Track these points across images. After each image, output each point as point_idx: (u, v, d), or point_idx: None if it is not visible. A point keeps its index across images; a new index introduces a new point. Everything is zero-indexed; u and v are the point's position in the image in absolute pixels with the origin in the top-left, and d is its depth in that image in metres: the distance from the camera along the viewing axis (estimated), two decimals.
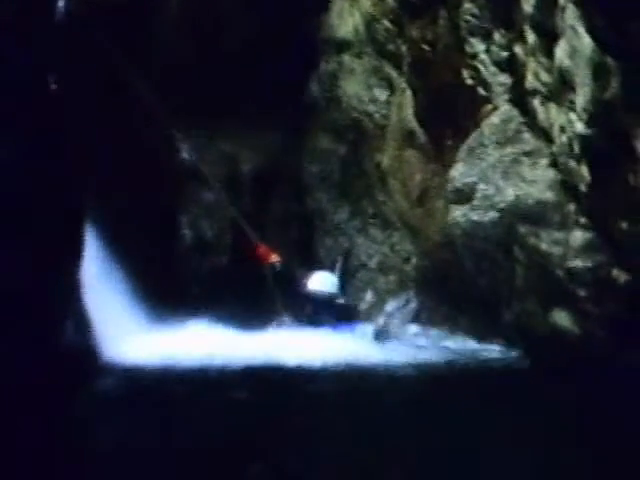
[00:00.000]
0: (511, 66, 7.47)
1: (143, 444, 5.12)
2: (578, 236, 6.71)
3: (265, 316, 9.03)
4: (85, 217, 6.98)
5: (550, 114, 6.91)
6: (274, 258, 9.26)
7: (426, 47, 8.42)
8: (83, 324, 7.03)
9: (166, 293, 8.70)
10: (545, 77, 6.91)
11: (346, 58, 9.66)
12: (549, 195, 6.92)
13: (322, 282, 9.18)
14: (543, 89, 6.95)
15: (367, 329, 8.69)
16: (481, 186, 7.40)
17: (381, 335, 8.43)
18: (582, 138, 6.43)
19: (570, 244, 6.71)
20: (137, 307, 8.38)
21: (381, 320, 8.79)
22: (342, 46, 9.71)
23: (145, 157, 9.60)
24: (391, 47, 9.06)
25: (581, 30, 6.23)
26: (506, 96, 7.52)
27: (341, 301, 9.27)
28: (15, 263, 5.90)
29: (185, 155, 9.99)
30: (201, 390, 6.44)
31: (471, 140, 7.66)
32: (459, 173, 7.62)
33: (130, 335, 7.79)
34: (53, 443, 5.06)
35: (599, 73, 6.14)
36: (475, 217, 7.36)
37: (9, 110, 5.93)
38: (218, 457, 4.99)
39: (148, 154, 9.67)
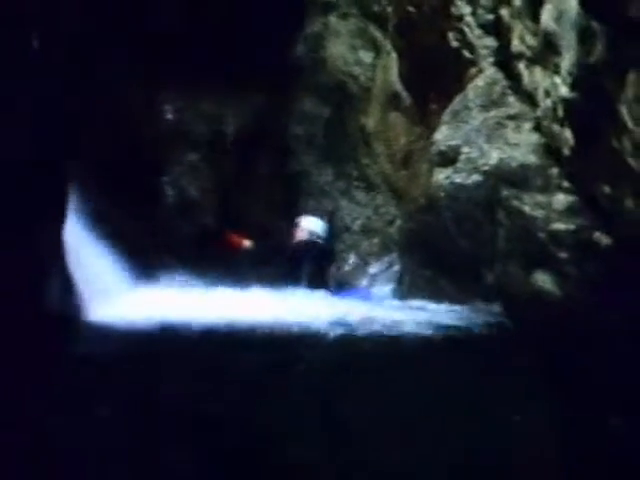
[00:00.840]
0: (497, 29, 7.46)
1: (131, 405, 5.12)
2: (561, 199, 6.72)
3: (250, 275, 9.07)
4: (68, 176, 6.94)
5: (535, 78, 6.90)
6: (246, 243, 9.47)
7: (412, 9, 8.39)
8: (67, 283, 7.02)
9: (150, 252, 8.71)
10: (530, 40, 6.89)
11: (332, 19, 9.63)
12: (532, 158, 6.92)
13: (313, 223, 9.33)
14: (528, 52, 6.94)
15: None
16: (465, 149, 7.40)
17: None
18: (566, 102, 6.42)
19: (553, 207, 6.73)
20: (120, 266, 8.39)
21: (365, 282, 8.84)
22: (328, 7, 9.67)
23: (129, 117, 9.57)
24: (376, 8, 9.04)
25: None
26: (491, 59, 7.51)
27: (320, 242, 9.40)
28: None
29: (169, 116, 9.96)
30: (187, 349, 6.44)
31: (456, 103, 7.65)
32: (443, 136, 7.62)
33: (114, 294, 7.79)
34: (38, 404, 5.06)
35: (584, 36, 6.11)
36: (458, 180, 7.37)
37: None
38: (208, 419, 4.98)
39: (132, 114, 9.62)
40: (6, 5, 6.11)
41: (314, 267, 9.29)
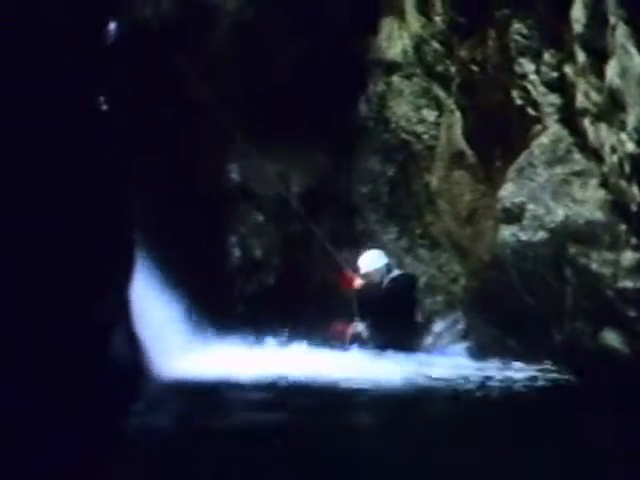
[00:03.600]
0: (561, 86, 7.45)
1: (197, 463, 5.11)
2: (629, 256, 6.64)
3: (314, 335, 9.03)
4: (135, 234, 7.04)
5: (600, 134, 6.87)
6: (358, 283, 9.21)
7: (475, 68, 8.43)
8: (133, 341, 7.08)
9: (215, 310, 8.76)
10: (595, 97, 6.87)
11: (395, 79, 9.71)
12: (599, 215, 6.87)
13: (372, 259, 9.08)
14: (593, 109, 6.92)
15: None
16: (531, 206, 7.37)
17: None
18: (633, 158, 6.38)
19: (621, 264, 6.65)
20: (187, 324, 8.44)
21: (429, 340, 8.76)
22: (391, 67, 9.76)
23: (196, 177, 9.70)
24: (440, 68, 9.09)
25: (632, 49, 6.20)
26: (556, 116, 7.49)
27: (397, 272, 9.08)
28: (65, 276, 5.95)
29: (235, 175, 10.08)
30: (248, 409, 6.41)
31: (521, 160, 7.64)
32: (508, 193, 7.60)
33: (177, 352, 7.83)
34: (99, 462, 5.07)
35: None
36: (525, 237, 7.34)
37: (66, 131, 6.00)
38: None
39: (199, 174, 9.76)
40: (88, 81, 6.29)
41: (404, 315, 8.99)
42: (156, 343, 7.40)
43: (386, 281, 8.88)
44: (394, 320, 8.73)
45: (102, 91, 6.74)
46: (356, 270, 9.18)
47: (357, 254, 9.30)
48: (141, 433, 5.65)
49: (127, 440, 5.52)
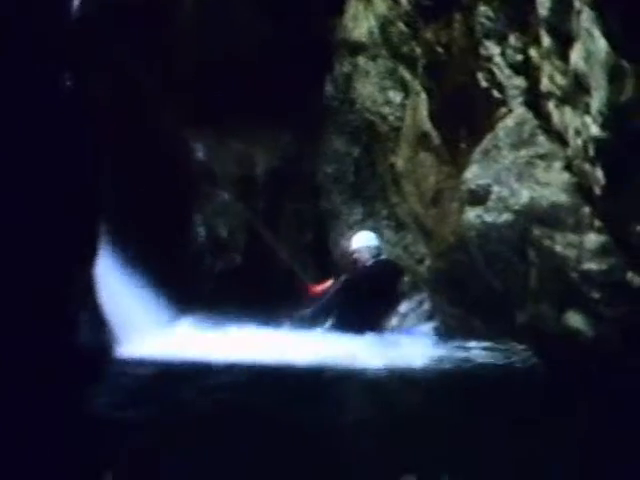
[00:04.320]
0: (526, 69, 7.48)
1: (157, 446, 5.12)
2: (592, 239, 6.70)
3: (279, 315, 9.05)
4: (101, 214, 7.01)
5: (565, 117, 6.91)
6: (326, 285, 9.17)
7: (441, 50, 8.45)
8: (97, 320, 7.07)
9: (181, 290, 8.76)
10: (560, 80, 6.91)
11: (361, 60, 9.71)
12: (563, 198, 6.91)
13: (366, 238, 9.04)
14: (558, 92, 6.95)
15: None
16: (495, 188, 7.40)
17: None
18: (597, 141, 6.42)
19: (584, 247, 6.71)
20: (152, 304, 8.44)
21: (395, 321, 8.82)
22: (357, 48, 9.76)
23: (160, 156, 9.67)
24: (406, 50, 9.10)
25: (596, 33, 6.22)
26: (521, 99, 7.52)
27: (384, 257, 9.03)
28: (30, 258, 5.93)
29: (199, 155, 10.05)
30: (212, 390, 6.44)
31: (486, 142, 7.67)
32: (473, 175, 7.62)
33: (143, 332, 7.83)
34: (65, 443, 5.08)
35: (614, 76, 6.13)
36: (489, 219, 7.36)
37: (27, 112, 5.96)
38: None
39: (163, 153, 9.73)
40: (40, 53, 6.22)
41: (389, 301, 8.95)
42: (123, 324, 7.40)
43: (371, 263, 8.91)
44: (369, 301, 8.76)
45: (64, 74, 6.68)
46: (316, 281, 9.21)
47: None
48: (109, 414, 5.68)
49: (94, 421, 5.54)
